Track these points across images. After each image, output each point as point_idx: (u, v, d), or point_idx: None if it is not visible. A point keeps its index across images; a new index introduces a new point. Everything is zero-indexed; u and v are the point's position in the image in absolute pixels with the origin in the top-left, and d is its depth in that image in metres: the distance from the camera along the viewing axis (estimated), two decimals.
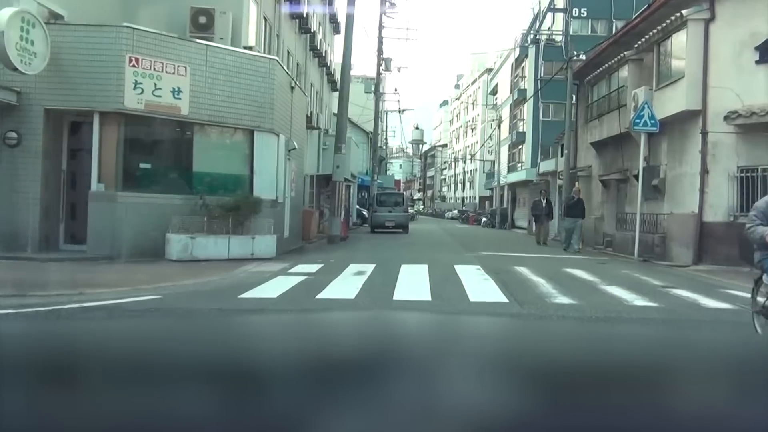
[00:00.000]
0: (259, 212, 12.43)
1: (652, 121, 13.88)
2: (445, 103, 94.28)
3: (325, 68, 27.20)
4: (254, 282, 9.05)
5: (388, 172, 71.86)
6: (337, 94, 31.21)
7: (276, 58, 14.05)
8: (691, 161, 13.65)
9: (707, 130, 13.07)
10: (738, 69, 12.67)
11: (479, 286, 8.81)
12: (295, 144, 15.38)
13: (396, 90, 41.25)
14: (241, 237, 12.24)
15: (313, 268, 10.91)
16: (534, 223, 22.08)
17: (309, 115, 22.64)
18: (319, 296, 7.59)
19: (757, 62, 12.41)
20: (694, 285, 9.90)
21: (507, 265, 11.80)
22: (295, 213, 16.53)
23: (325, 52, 26.16)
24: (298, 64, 21.72)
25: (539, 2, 39.25)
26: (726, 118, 12.47)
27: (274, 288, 8.46)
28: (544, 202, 20.56)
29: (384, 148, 53.64)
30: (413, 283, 9.02)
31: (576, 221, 16.84)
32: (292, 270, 10.61)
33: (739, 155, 12.65)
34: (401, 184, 64.56)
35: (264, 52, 15.89)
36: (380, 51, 32.40)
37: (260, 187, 13.12)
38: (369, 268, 10.82)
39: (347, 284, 8.87)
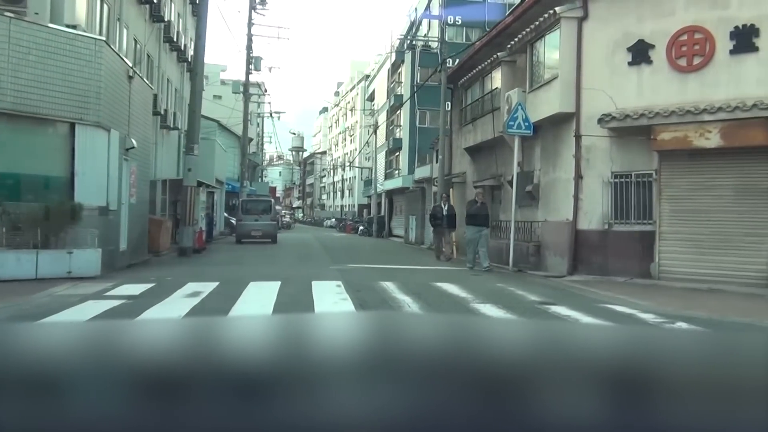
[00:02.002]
0: (78, 221, 10.31)
1: (526, 124, 13.14)
2: (325, 110, 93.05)
3: (186, 64, 24.86)
4: (53, 309, 7.14)
5: (265, 179, 69.36)
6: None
7: (103, 38, 11.93)
8: (565, 166, 13.03)
9: (581, 134, 12.46)
10: (611, 70, 12.16)
11: (333, 307, 7.37)
12: (134, 142, 13.27)
13: (266, 90, 39.24)
14: (53, 252, 10.08)
15: (141, 288, 9.02)
16: (433, 234, 18.48)
17: (164, 112, 20.37)
18: None
19: (630, 63, 11.93)
20: (572, 300, 9.01)
21: (373, 279, 10.45)
22: (137, 222, 14.35)
23: (185, 46, 23.88)
24: (149, 56, 19.41)
25: (416, 9, 38.97)
26: (600, 121, 11.90)
27: (73, 317, 6.62)
28: (445, 208, 16.88)
29: (258, 153, 51.38)
30: (253, 307, 7.44)
31: (480, 231, 13.91)
32: (113, 292, 8.69)
33: (613, 160, 12.11)
34: (276, 191, 62.36)
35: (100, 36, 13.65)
36: (249, 49, 30.46)
37: (84, 192, 10.98)
38: (209, 287, 9.09)
39: (170, 310, 7.17)
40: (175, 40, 21.87)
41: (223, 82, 48.07)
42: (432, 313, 6.76)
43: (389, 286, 9.54)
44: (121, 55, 13.38)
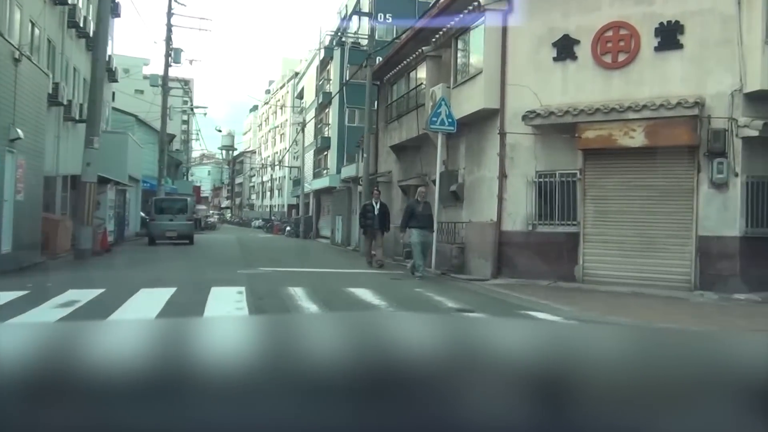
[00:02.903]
0: None
1: (450, 120, 12.55)
2: (255, 108, 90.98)
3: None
4: None
5: (191, 178, 67.01)
6: (114, 84, 27.21)
7: None
8: (489, 165, 12.51)
9: (505, 131, 11.97)
10: (536, 66, 11.71)
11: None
12: (20, 133, 11.93)
13: (186, 84, 37.56)
14: None
15: (10, 296, 7.85)
16: (363, 236, 16.45)
17: (68, 103, 18.83)
18: None
19: (555, 59, 11.51)
20: (492, 306, 8.43)
21: (283, 284, 9.58)
22: (26, 221, 12.96)
23: (94, 33, 22.22)
24: (49, 41, 17.85)
25: (345, 6, 38.16)
26: (524, 118, 11.42)
27: None
28: (376, 207, 14.99)
29: (182, 150, 49.41)
30: (133, 316, 6.45)
31: (427, 236, 12.15)
32: None
33: (538, 158, 11.67)
34: (202, 190, 60.27)
35: None
36: (169, 40, 28.92)
37: None
38: (91, 295, 8.01)
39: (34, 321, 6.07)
40: (82, 26, 20.27)
41: (145, 77, 45.87)
42: (328, 312, 5.96)
43: (298, 292, 8.70)
44: (3, 35, 12.00)
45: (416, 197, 12.75)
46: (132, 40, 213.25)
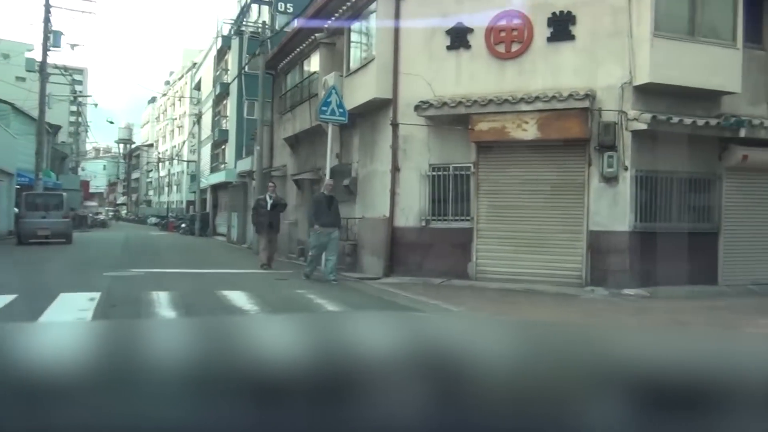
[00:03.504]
0: None
1: (341, 110, 11.85)
2: (154, 99, 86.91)
3: None
4: None
5: (82, 173, 63.04)
6: None
7: None
8: (382, 157, 11.92)
9: (398, 122, 11.40)
10: (430, 54, 11.20)
11: None
12: None
13: (66, 69, 34.93)
14: None
15: None
16: (256, 235, 14.55)
17: None
18: None
19: (448, 48, 11.05)
20: (378, 308, 7.81)
21: (149, 288, 8.55)
22: None
23: None
24: None
25: None
26: (416, 108, 10.89)
27: None
28: (270, 202, 13.43)
29: (68, 143, 46.19)
30: None
31: (330, 233, 10.86)
32: None
33: (431, 151, 11.17)
34: (90, 186, 56.74)
35: None
36: (47, 21, 26.60)
37: None
38: None
39: None
40: None
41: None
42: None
43: (161, 297, 7.73)
44: None
45: (322, 190, 11.44)
46: (14, 23, 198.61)
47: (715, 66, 9.82)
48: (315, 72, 14.88)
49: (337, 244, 11.15)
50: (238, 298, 7.97)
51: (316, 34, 14.53)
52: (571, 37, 10.21)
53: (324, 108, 11.78)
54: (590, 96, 9.83)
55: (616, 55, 9.93)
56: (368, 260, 12.10)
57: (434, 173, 11.13)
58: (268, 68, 19.47)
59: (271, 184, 14.64)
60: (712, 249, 10.52)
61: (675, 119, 9.58)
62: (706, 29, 9.97)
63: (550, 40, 10.35)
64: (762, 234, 10.74)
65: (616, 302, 9.09)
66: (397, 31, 11.50)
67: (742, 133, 10.01)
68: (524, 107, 10.08)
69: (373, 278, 11.16)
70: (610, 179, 9.93)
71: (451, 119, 10.71)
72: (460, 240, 10.88)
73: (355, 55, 12.84)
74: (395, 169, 11.43)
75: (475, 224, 10.80)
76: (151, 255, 16.61)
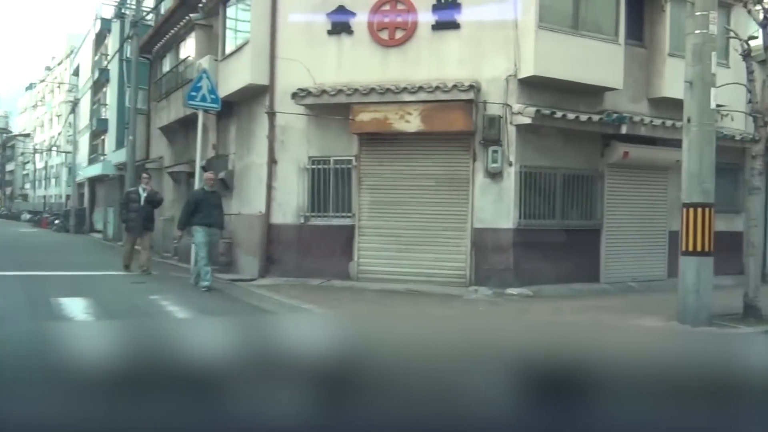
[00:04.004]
0: None
1: (213, 97, 10.85)
2: (32, 86, 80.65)
3: None
4: None
5: None
6: None
7: None
8: (259, 149, 11.03)
9: (274, 110, 10.55)
10: (310, 38, 10.43)
11: None
12: None
13: None
14: None
15: None
16: (126, 233, 12.58)
17: None
18: None
19: (330, 32, 10.31)
20: (236, 313, 6.98)
21: None
22: None
23: None
24: None
25: None
26: (294, 96, 10.09)
27: None
28: (143, 195, 11.90)
29: None
30: None
31: (214, 234, 9.73)
32: None
33: (311, 143, 10.41)
34: None
35: None
36: None
37: None
38: None
39: None
40: None
41: None
42: None
43: None
44: None
45: (202, 186, 10.09)
46: None
47: (598, 61, 9.68)
48: (190, 56, 13.72)
49: (215, 247, 9.98)
50: (75, 306, 6.88)
51: (192, 15, 13.38)
52: (457, 26, 9.76)
53: (193, 94, 10.74)
54: (475, 88, 9.41)
55: (502, 47, 9.57)
56: (244, 260, 11.18)
57: (314, 166, 10.38)
58: (143, 52, 18.06)
59: (145, 175, 13.14)
60: (594, 246, 10.42)
61: (558, 114, 9.34)
62: (590, 24, 9.81)
63: (435, 28, 9.85)
64: (641, 231, 10.77)
65: (497, 302, 8.72)
66: (274, 12, 10.64)
67: (624, 129, 9.93)
68: (407, 97, 9.53)
69: (248, 280, 10.27)
70: (495, 175, 9.57)
71: (331, 109, 9.99)
72: (341, 238, 10.20)
73: (230, 36, 11.85)
74: (272, 161, 10.58)
75: (357, 221, 10.15)
76: (4, 255, 14.84)
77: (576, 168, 10.14)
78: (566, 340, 0.88)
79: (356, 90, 9.69)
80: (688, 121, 7.18)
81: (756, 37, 8.50)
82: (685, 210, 7.18)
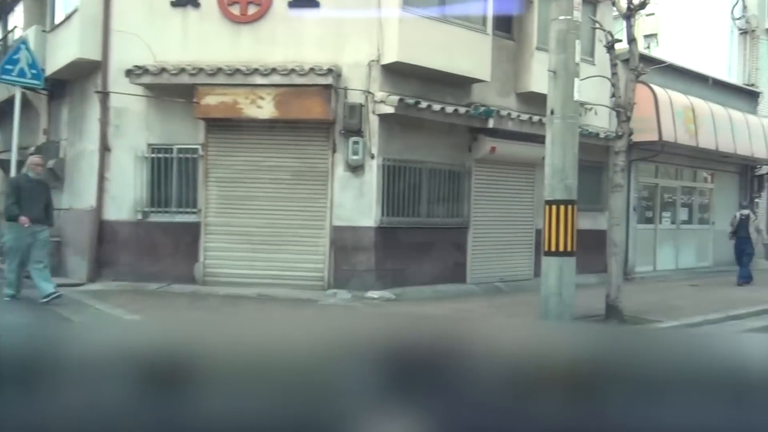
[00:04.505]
0: None
1: (34, 71, 9.34)
2: None
3: None
4: None
5: None
6: None
7: None
8: (91, 135, 9.63)
9: (107, 90, 9.21)
10: (151, 9, 9.17)
11: None
12: None
13: None
14: None
15: None
16: None
17: None
18: None
19: (173, 4, 9.12)
20: (37, 327, 5.71)
21: None
22: None
23: None
24: None
25: None
26: (129, 74, 8.82)
27: None
28: None
29: None
30: None
31: (37, 232, 7.65)
32: None
33: (150, 129, 9.18)
34: None
35: None
36: None
37: None
38: None
39: None
40: None
41: None
42: None
43: None
44: None
45: (25, 171, 8.13)
46: None
47: (465, 50, 9.17)
48: (16, 26, 11.95)
49: (46, 247, 8.07)
50: None
51: None
52: (316, 4, 8.91)
53: (8, 67, 9.18)
54: (334, 72, 8.59)
55: (365, 30, 8.82)
56: (73, 262, 9.75)
57: (154, 155, 9.15)
58: None
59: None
60: (461, 245, 9.95)
61: (424, 104, 8.73)
62: (457, 11, 9.27)
63: (292, 5, 8.94)
64: (509, 229, 10.44)
65: (355, 307, 7.97)
66: None
67: (491, 123, 9.51)
68: (259, 80, 8.55)
69: (75, 285, 8.89)
70: (356, 168, 8.81)
71: (173, 90, 8.82)
72: (186, 237, 9.06)
73: (61, 5, 10.31)
74: (104, 148, 9.23)
75: (204, 218, 9.06)
76: None
77: (443, 162, 9.61)
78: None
79: (201, 70, 8.59)
80: (552, 113, 6.76)
81: (621, 41, 8.30)
82: (547, 207, 6.76)
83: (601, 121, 11.18)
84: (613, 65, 7.62)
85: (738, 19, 15.43)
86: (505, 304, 8.86)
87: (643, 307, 8.64)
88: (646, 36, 16.82)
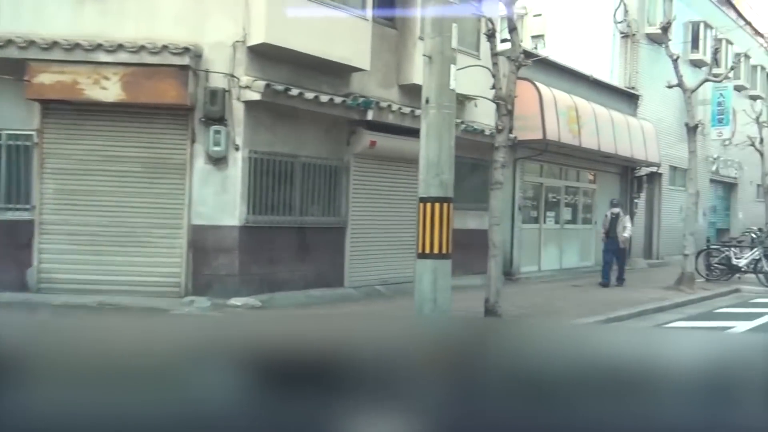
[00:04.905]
0: None
1: None
2: None
3: None
4: None
5: None
6: None
7: None
8: None
9: None
10: None
11: None
12: None
13: None
14: None
15: None
16: None
17: None
18: None
19: None
20: None
21: None
22: None
23: None
24: None
25: None
26: None
27: None
28: None
29: None
30: None
31: None
32: None
33: None
34: None
35: None
36: None
37: None
38: None
39: None
40: None
41: None
42: None
43: None
44: None
45: None
46: None
47: (343, 36, 8.46)
48: None
49: None
50: None
51: None
52: None
53: None
54: (193, 52, 7.64)
55: (229, 6, 7.93)
56: None
57: None
58: None
59: None
60: (339, 246, 9.24)
61: (294, 92, 7.93)
62: None
63: None
64: (390, 229, 9.84)
65: (212, 317, 7.04)
66: None
67: (370, 115, 8.87)
68: (104, 57, 7.46)
69: None
70: (218, 160, 7.89)
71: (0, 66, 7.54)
72: (16, 237, 7.80)
73: None
74: None
75: (38, 215, 7.82)
76: None
77: (318, 157, 8.86)
78: None
79: (33, 43, 7.38)
80: (427, 101, 6.18)
81: (509, 40, 7.89)
82: (421, 205, 6.17)
83: (488, 118, 10.80)
84: (494, 55, 7.17)
85: (620, 22, 15.70)
86: (382, 309, 8.26)
87: (524, 310, 8.31)
88: (533, 37, 16.83)
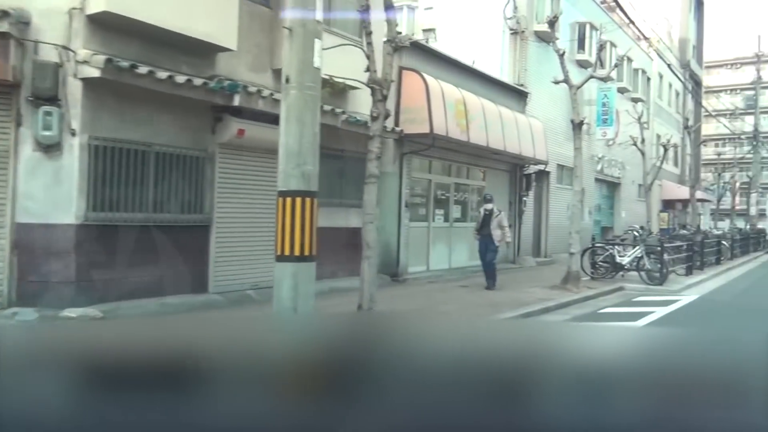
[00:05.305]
0: None
1: None
2: None
3: None
4: None
5: None
6: None
7: None
8: None
9: None
10: None
11: None
12: None
13: None
14: None
15: None
16: None
17: None
18: None
19: None
20: None
21: None
22: None
23: None
24: None
25: None
26: None
27: None
28: None
29: None
30: None
31: None
32: None
33: None
34: None
35: None
36: None
37: None
38: None
39: None
40: None
41: None
42: None
43: None
44: None
45: None
46: None
47: (205, 10, 7.51)
48: None
49: None
50: None
51: None
52: None
53: None
54: (16, 16, 6.44)
55: None
56: None
57: None
58: None
59: None
60: (202, 247, 8.25)
61: (143, 69, 6.89)
62: None
63: None
64: (261, 227, 8.92)
65: (39, 330, 5.91)
66: None
67: (237, 100, 7.94)
68: None
69: None
70: (50, 147, 6.72)
71: None
72: None
73: None
74: None
75: None
76: None
77: (177, 146, 7.84)
78: None
79: None
80: (287, 81, 5.37)
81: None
82: (280, 200, 5.35)
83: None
84: (368, 34, 6.45)
85: (509, 18, 15.55)
86: (251, 317, 7.36)
87: None
88: (424, 30, 16.42)
